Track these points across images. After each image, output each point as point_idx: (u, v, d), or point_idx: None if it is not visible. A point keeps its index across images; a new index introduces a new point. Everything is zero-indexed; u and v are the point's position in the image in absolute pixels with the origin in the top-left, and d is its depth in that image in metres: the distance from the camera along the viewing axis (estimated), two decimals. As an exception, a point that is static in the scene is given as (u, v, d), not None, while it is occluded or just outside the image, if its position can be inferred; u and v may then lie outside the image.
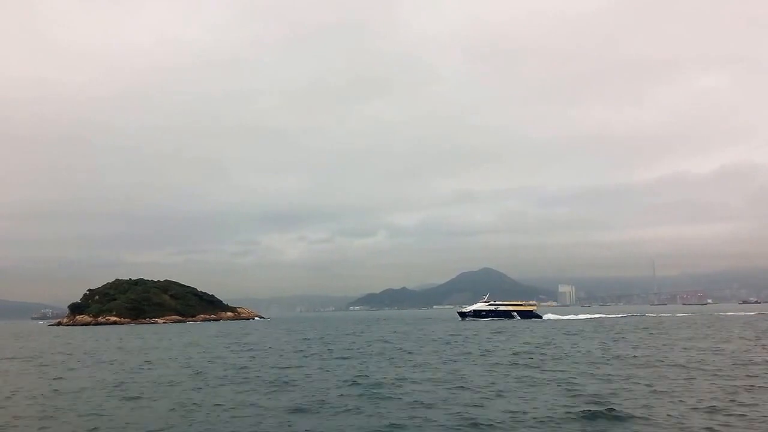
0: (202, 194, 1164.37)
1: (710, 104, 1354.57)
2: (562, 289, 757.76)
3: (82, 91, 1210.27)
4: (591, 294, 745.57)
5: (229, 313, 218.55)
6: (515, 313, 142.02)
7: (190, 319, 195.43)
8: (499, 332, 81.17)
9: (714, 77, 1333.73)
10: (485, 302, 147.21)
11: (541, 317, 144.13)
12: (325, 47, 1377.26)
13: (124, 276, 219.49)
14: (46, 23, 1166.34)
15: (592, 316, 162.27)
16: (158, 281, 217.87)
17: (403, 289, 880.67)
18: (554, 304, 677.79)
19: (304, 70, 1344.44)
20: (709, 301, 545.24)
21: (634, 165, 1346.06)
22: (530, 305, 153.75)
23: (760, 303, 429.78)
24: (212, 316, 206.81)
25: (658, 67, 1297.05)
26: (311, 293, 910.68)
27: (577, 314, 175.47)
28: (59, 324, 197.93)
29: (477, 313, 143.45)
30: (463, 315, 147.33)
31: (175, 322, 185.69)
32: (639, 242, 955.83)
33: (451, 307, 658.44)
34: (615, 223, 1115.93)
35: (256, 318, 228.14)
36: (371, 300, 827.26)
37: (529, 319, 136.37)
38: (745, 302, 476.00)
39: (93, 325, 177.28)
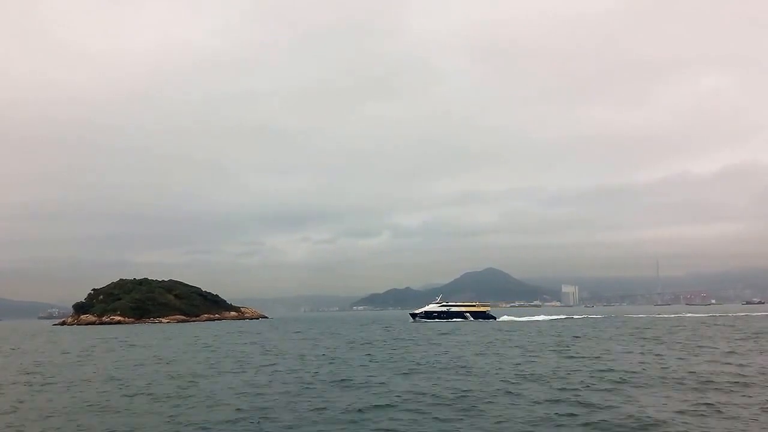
0: (206, 195, 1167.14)
1: (712, 104, 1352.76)
2: (566, 289, 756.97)
3: (86, 91, 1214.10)
4: (595, 294, 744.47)
5: (233, 313, 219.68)
6: (468, 314, 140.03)
7: (194, 318, 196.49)
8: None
9: (716, 77, 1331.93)
10: (437, 303, 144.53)
11: (494, 318, 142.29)
12: (328, 48, 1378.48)
13: (129, 276, 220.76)
14: (47, 23, 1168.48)
15: (557, 317, 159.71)
16: (163, 281, 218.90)
17: (407, 289, 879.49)
18: (558, 304, 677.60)
19: (307, 71, 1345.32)
20: (713, 301, 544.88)
21: (636, 165, 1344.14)
22: (483, 306, 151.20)
23: (764, 303, 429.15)
24: (216, 315, 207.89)
25: (660, 68, 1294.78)
26: (315, 293, 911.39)
27: (543, 315, 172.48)
28: (63, 323, 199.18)
29: (428, 315, 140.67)
30: (414, 316, 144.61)
31: (179, 321, 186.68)
32: (642, 242, 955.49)
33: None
34: (618, 223, 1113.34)
35: (260, 318, 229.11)
36: (375, 300, 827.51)
37: (482, 320, 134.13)
38: (748, 302, 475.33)
39: (97, 324, 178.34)
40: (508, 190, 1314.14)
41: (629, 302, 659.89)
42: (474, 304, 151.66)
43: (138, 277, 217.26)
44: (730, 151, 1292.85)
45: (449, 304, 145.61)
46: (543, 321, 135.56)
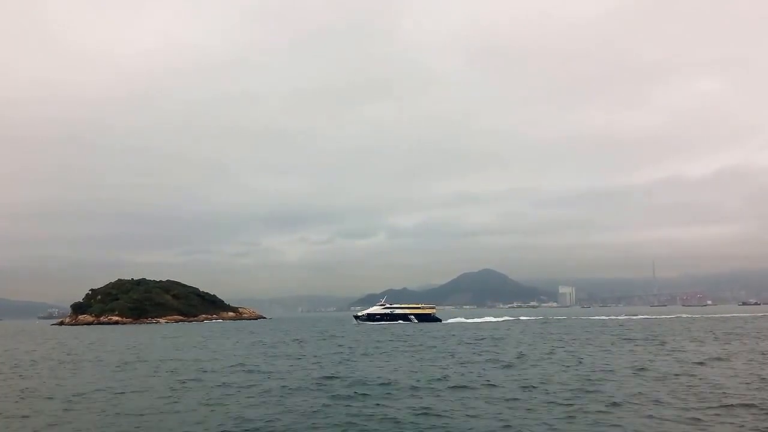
0: (204, 195, 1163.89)
1: (708, 106, 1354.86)
2: (563, 290, 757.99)
3: (86, 91, 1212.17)
4: (592, 295, 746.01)
5: (231, 313, 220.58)
6: (412, 316, 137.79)
7: (192, 319, 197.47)
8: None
9: (712, 79, 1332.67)
10: (381, 305, 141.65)
11: (440, 320, 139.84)
12: (327, 50, 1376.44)
13: (127, 276, 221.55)
14: (49, 24, 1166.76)
15: (502, 318, 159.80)
16: (160, 281, 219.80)
17: (404, 289, 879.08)
18: (555, 305, 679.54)
19: (306, 72, 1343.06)
20: (709, 302, 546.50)
21: (633, 166, 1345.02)
22: (429, 308, 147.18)
23: (759, 304, 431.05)
24: (214, 316, 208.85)
25: (658, 70, 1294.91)
26: (313, 294, 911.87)
27: (497, 317, 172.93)
28: (61, 324, 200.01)
29: (371, 317, 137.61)
30: (357, 318, 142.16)
31: (176, 322, 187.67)
32: (639, 243, 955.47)
33: (452, 307, 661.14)
34: (615, 224, 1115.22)
35: (258, 318, 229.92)
36: (372, 300, 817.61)
37: (427, 322, 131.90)
38: (744, 303, 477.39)
39: (95, 324, 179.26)
40: (505, 191, 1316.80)
41: (626, 303, 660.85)
42: (419, 305, 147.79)
43: (136, 278, 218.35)
44: (726, 153, 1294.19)
45: (393, 306, 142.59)
46: (486, 323, 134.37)
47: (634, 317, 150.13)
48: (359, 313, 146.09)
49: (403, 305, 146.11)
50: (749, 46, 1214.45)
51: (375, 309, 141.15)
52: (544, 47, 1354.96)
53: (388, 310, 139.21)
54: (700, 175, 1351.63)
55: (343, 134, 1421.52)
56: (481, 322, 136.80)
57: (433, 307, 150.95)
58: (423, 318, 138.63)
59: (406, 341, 66.61)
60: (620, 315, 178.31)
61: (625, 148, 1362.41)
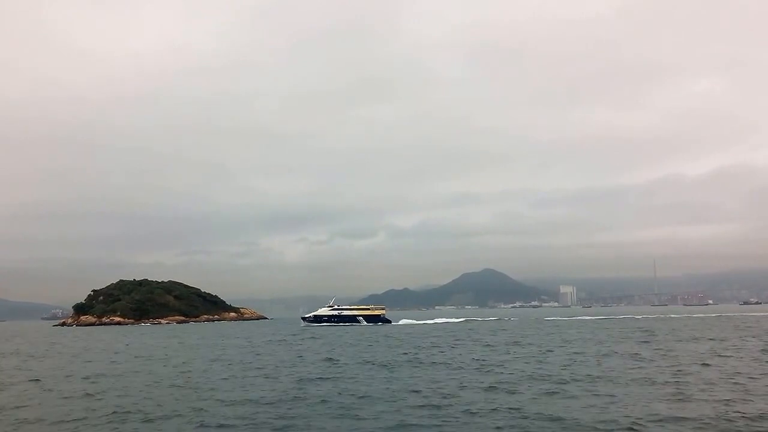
0: (205, 196, 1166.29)
1: (706, 106, 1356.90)
2: (564, 289, 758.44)
3: (86, 91, 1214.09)
4: (592, 294, 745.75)
5: (233, 314, 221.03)
6: (361, 318, 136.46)
7: (193, 319, 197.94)
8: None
9: (712, 79, 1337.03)
10: (329, 307, 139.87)
11: (390, 321, 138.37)
12: (327, 51, 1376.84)
13: (129, 277, 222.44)
14: (49, 24, 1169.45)
15: (457, 320, 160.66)
16: (162, 282, 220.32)
17: (405, 289, 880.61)
18: (556, 304, 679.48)
19: (305, 73, 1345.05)
20: (710, 301, 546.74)
21: (633, 167, 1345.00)
22: (379, 309, 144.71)
23: (760, 304, 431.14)
24: (216, 316, 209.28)
25: (654, 70, 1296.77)
26: (314, 294, 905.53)
27: (458, 317, 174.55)
28: (63, 324, 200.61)
29: (318, 319, 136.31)
30: (304, 320, 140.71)
31: (178, 322, 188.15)
32: (640, 243, 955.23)
33: (453, 307, 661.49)
34: (616, 224, 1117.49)
35: (259, 319, 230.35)
36: (373, 300, 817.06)
37: (377, 324, 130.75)
38: (746, 303, 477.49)
39: (97, 325, 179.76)
40: (505, 191, 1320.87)
41: (627, 303, 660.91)
42: (369, 307, 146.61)
43: (138, 278, 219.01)
44: (726, 153, 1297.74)
45: (342, 307, 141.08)
46: (437, 324, 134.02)
47: (611, 317, 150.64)
48: (306, 315, 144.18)
49: (352, 307, 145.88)
50: (749, 46, 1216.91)
51: (323, 311, 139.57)
52: (543, 47, 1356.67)
53: (336, 312, 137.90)
54: (700, 174, 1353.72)
55: (343, 134, 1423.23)
56: (431, 324, 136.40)
57: (383, 309, 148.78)
58: (373, 320, 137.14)
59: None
60: (600, 315, 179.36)
61: (624, 148, 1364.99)
